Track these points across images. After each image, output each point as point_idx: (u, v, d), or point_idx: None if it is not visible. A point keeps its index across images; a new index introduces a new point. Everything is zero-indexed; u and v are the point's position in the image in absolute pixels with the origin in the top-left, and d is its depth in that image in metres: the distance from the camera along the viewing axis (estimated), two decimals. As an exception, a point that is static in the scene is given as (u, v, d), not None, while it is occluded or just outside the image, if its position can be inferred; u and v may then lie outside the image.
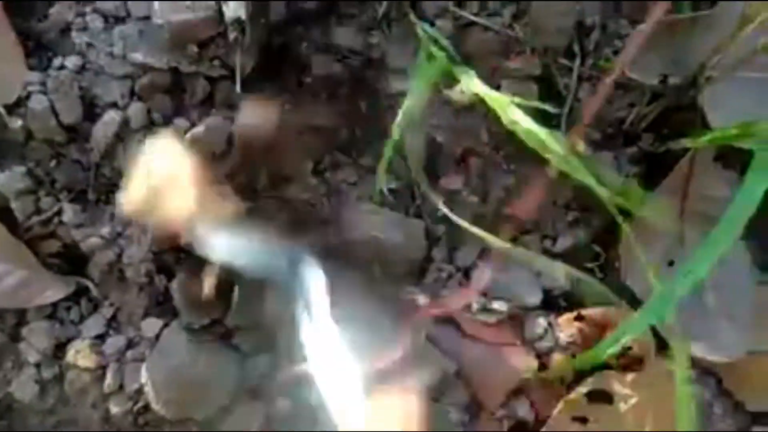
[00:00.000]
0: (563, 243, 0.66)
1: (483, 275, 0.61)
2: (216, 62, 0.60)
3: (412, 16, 0.63)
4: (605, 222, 0.67)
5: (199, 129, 0.58)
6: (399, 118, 0.58)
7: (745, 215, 0.47)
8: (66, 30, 0.58)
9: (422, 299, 0.62)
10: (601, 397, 0.62)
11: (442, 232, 0.66)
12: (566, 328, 0.62)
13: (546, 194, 0.67)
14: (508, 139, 0.66)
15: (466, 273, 0.66)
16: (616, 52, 0.63)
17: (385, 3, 0.63)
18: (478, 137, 0.64)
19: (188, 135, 0.58)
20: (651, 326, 0.64)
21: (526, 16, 0.61)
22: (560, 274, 0.64)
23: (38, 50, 0.58)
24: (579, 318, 0.62)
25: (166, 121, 0.59)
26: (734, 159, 0.62)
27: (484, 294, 0.63)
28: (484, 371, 0.59)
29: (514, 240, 0.69)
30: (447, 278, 0.65)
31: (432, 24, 0.63)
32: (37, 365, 0.59)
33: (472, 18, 0.61)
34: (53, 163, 0.59)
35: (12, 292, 0.57)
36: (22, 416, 0.60)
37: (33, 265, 0.57)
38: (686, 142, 0.55)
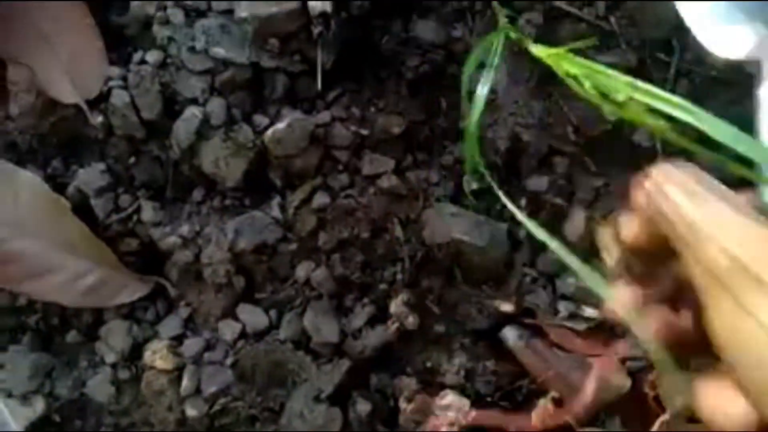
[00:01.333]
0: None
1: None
2: (297, 57, 0.58)
3: (496, 6, 0.61)
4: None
5: (281, 126, 0.57)
6: (473, 109, 0.55)
7: None
8: (147, 24, 0.57)
9: (507, 306, 0.60)
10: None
11: (524, 235, 0.63)
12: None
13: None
14: (596, 139, 0.63)
15: (550, 278, 0.63)
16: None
17: (469, -5, 0.61)
18: (565, 136, 0.62)
19: (268, 132, 0.57)
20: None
21: (622, 7, 0.58)
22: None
23: (119, 45, 0.57)
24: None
25: (246, 118, 0.58)
26: None
27: (572, 298, 0.61)
28: (574, 385, 0.56)
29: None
30: (531, 282, 0.62)
31: (518, 14, 0.61)
32: (113, 365, 0.58)
33: (564, 7, 0.58)
34: (132, 159, 0.57)
35: (91, 291, 0.56)
36: (97, 417, 0.60)
37: (112, 263, 0.56)
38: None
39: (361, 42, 0.61)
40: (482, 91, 0.53)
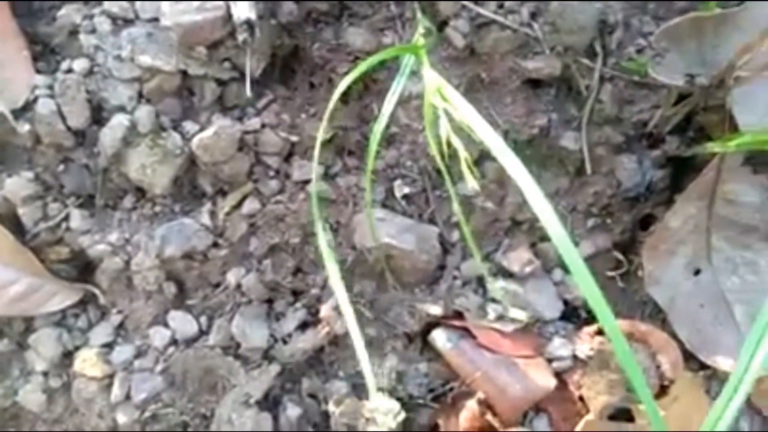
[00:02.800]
0: (584, 250, 0.64)
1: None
2: (226, 64, 0.58)
3: (419, 16, 0.61)
4: (629, 228, 0.65)
5: (208, 133, 0.57)
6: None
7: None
8: (74, 33, 0.57)
9: (436, 309, 0.60)
10: (623, 414, 0.60)
11: (456, 238, 0.64)
12: (587, 341, 0.59)
13: (567, 199, 0.66)
14: (526, 143, 0.64)
15: (480, 281, 0.64)
16: (639, 51, 0.61)
17: (397, 3, 0.61)
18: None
19: (195, 139, 0.57)
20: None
21: (545, 14, 0.59)
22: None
23: (45, 53, 0.57)
24: (600, 332, 0.60)
25: (174, 125, 0.58)
26: (765, 163, 0.59)
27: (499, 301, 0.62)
28: (502, 384, 0.57)
29: (532, 246, 0.67)
30: (461, 286, 0.63)
31: (444, 24, 0.61)
32: (45, 374, 0.58)
33: (490, 16, 0.59)
34: (61, 167, 0.58)
35: (19, 300, 0.56)
36: (30, 425, 0.60)
37: (40, 272, 0.56)
38: (713, 146, 0.53)
39: (292, 49, 0.62)
40: (391, 99, 0.53)
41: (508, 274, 0.62)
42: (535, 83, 0.62)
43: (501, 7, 0.59)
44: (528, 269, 0.61)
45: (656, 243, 0.59)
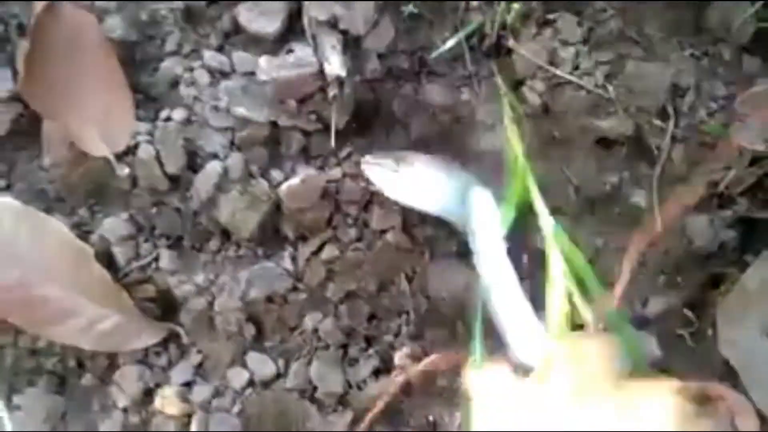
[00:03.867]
0: (654, 307, 0.64)
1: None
2: (312, 116, 0.61)
3: (498, 78, 0.64)
4: (699, 287, 0.65)
5: (295, 181, 0.60)
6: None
7: None
8: (174, 84, 0.61)
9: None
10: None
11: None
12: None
13: (638, 256, 0.67)
14: (595, 200, 0.66)
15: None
16: (710, 114, 0.63)
17: (474, 62, 0.64)
18: (567, 196, 0.64)
19: (283, 187, 0.60)
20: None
21: (620, 76, 0.62)
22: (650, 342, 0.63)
23: (147, 102, 0.61)
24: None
25: (262, 173, 0.61)
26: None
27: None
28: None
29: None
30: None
31: (521, 82, 0.64)
32: (125, 410, 0.60)
33: (565, 76, 0.62)
34: (154, 210, 0.61)
35: (107, 336, 0.58)
36: (106, 460, 0.61)
37: (129, 309, 0.58)
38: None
39: (373, 103, 0.65)
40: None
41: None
42: (607, 142, 0.64)
43: (576, 68, 0.62)
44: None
45: (731, 304, 0.60)
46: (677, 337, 0.65)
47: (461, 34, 0.62)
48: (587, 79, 0.62)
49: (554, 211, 0.65)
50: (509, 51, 0.63)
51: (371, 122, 0.65)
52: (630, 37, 0.62)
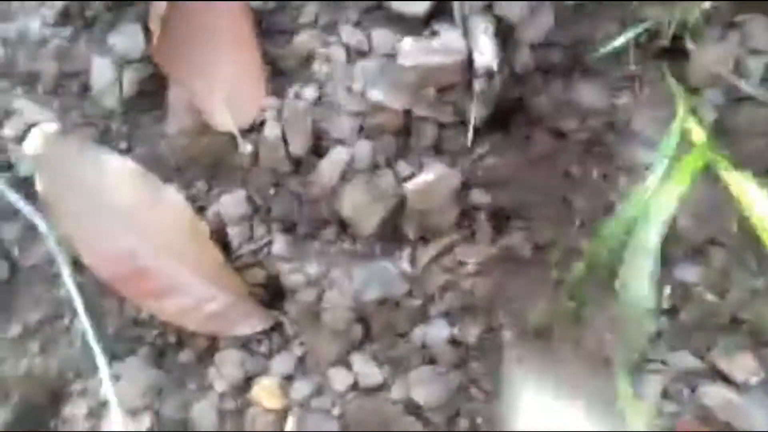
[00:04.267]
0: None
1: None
2: (450, 108, 0.56)
3: (670, 80, 0.56)
4: None
5: (427, 178, 0.55)
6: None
7: None
8: (308, 59, 0.57)
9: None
10: None
11: (662, 326, 0.58)
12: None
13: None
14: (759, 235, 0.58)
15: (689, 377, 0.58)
16: None
17: (640, 61, 0.57)
18: (727, 227, 0.56)
19: (412, 183, 0.55)
20: None
21: (818, 97, 0.53)
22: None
23: (276, 76, 0.57)
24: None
25: (389, 164, 0.56)
26: None
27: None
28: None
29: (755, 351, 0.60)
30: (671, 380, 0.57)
31: (696, 90, 0.56)
32: (222, 394, 0.58)
33: (750, 91, 0.53)
34: (273, 191, 0.57)
35: (213, 318, 0.55)
36: (196, 442, 0.59)
37: (239, 293, 0.56)
38: None
39: (517, 99, 0.59)
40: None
41: (724, 379, 0.55)
42: (786, 171, 0.55)
43: (766, 80, 0.53)
44: (754, 379, 0.54)
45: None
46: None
47: (633, 31, 0.55)
48: (774, 95, 0.53)
49: (709, 241, 0.58)
50: (684, 54, 0.55)
51: (511, 120, 0.59)
52: (836, 49, 0.53)
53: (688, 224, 0.57)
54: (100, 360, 0.53)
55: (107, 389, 0.53)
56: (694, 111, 0.55)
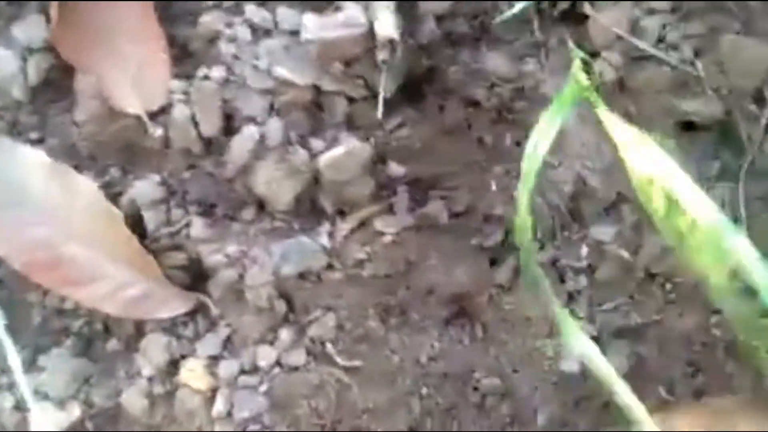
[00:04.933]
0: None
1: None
2: (359, 82, 0.56)
3: (570, 44, 0.58)
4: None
5: (338, 152, 0.55)
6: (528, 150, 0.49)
7: None
8: (213, 40, 0.57)
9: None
10: None
11: (582, 285, 0.60)
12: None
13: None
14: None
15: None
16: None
17: (543, 29, 0.58)
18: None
19: (324, 157, 0.56)
20: None
21: (711, 52, 0.54)
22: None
23: (184, 58, 0.57)
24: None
25: (302, 140, 0.57)
26: None
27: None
28: None
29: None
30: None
31: (595, 55, 0.57)
32: (150, 379, 0.58)
33: (648, 49, 0.54)
34: (186, 174, 0.57)
35: (134, 303, 0.55)
36: (129, 428, 0.59)
37: (157, 277, 0.56)
38: None
39: (427, 70, 0.59)
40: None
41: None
42: (689, 125, 0.57)
43: (661, 41, 0.55)
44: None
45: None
46: None
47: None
48: (672, 53, 0.54)
49: (620, 199, 0.59)
50: (585, 18, 0.57)
51: (423, 92, 0.60)
52: (726, 7, 0.55)
53: (598, 183, 0.59)
54: (11, 352, 0.52)
55: (21, 381, 0.53)
56: (596, 74, 0.57)
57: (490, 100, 0.58)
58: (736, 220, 0.56)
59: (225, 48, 0.56)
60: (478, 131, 0.59)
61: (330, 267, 0.58)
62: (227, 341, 0.59)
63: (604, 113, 0.43)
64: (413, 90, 0.59)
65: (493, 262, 0.60)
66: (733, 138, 0.55)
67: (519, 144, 0.59)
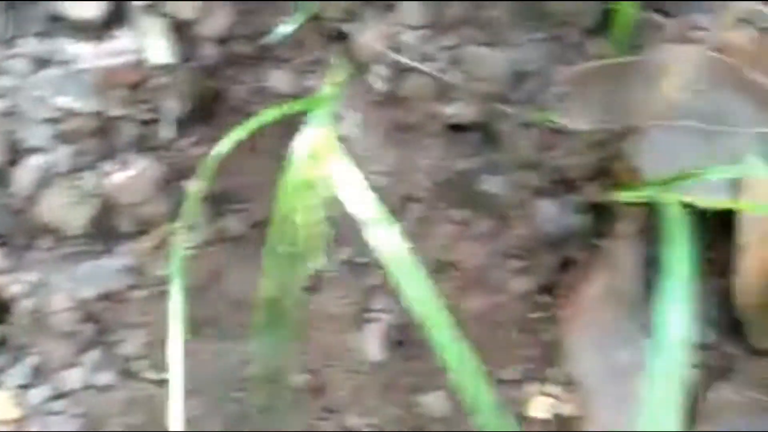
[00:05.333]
0: (508, 291, 0.64)
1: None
2: (146, 105, 0.59)
3: (337, 60, 0.62)
4: (548, 272, 0.66)
5: (128, 173, 0.58)
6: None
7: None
8: (-7, 74, 0.57)
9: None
10: None
11: (380, 281, 0.65)
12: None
13: (490, 242, 0.67)
14: (451, 185, 0.65)
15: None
16: (556, 98, 0.62)
17: (321, 47, 0.62)
18: (419, 183, 0.63)
19: (113, 180, 0.58)
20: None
21: (462, 62, 0.60)
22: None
23: (-38, 94, 0.58)
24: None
25: (92, 165, 0.58)
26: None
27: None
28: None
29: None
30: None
31: (365, 68, 0.63)
32: (-44, 415, 0.58)
33: (406, 62, 0.60)
34: (-23, 208, 0.58)
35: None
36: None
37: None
38: (618, 196, 0.54)
39: (215, 90, 0.62)
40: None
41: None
42: (456, 128, 0.63)
43: (420, 53, 0.60)
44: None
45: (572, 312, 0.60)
46: (532, 321, 0.67)
47: (294, 20, 0.60)
48: (431, 64, 0.61)
49: (406, 197, 0.65)
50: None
51: (215, 110, 0.63)
52: (474, 22, 0.61)
53: (383, 185, 0.64)
54: None
55: None
56: (368, 85, 0.62)
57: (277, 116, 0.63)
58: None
59: (5, 81, 0.57)
60: (268, 145, 0.63)
61: (134, 286, 0.60)
62: (36, 370, 0.60)
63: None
64: (205, 109, 0.62)
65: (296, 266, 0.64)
66: (494, 136, 0.62)
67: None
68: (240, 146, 0.63)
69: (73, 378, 0.58)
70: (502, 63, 0.60)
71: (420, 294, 0.36)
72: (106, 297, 0.58)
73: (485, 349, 0.61)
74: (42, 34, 0.58)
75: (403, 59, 0.60)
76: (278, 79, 0.62)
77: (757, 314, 0.57)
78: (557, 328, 0.65)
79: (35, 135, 0.57)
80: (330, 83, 0.51)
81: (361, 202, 0.41)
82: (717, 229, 0.60)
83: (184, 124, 0.61)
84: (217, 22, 0.59)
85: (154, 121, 0.60)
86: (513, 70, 0.60)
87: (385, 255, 0.38)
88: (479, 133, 0.63)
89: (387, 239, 0.39)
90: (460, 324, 0.60)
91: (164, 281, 0.60)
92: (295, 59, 0.63)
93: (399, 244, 0.38)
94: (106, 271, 0.58)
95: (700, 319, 0.61)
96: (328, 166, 0.44)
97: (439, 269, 0.65)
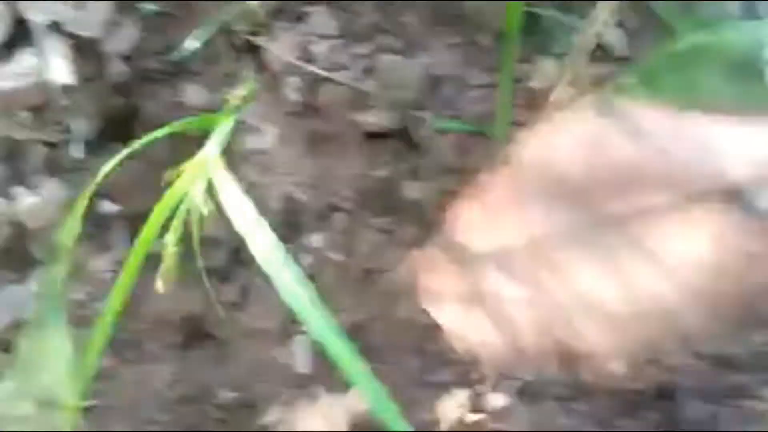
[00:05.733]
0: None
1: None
2: (55, 127, 0.58)
3: (253, 76, 0.62)
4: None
5: (36, 198, 0.56)
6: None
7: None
8: None
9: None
10: None
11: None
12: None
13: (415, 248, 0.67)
14: (373, 193, 0.65)
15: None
16: (472, 103, 0.63)
17: (235, 61, 0.62)
18: (341, 193, 0.63)
19: (22, 206, 0.56)
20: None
21: (375, 71, 0.60)
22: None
23: None
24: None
25: (2, 191, 0.57)
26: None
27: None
28: None
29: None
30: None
31: (279, 79, 0.62)
32: None
33: (319, 72, 0.60)
34: None
35: None
36: None
37: None
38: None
39: (129, 108, 0.61)
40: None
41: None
42: (375, 136, 0.63)
43: (333, 63, 0.60)
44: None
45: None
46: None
47: (203, 34, 0.60)
48: (345, 73, 0.61)
49: (329, 208, 0.65)
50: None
51: (130, 127, 0.62)
52: (387, 29, 0.62)
53: (305, 196, 0.64)
54: None
55: None
56: (284, 97, 0.61)
57: (194, 130, 0.62)
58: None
59: None
60: (185, 159, 0.62)
61: (48, 312, 0.58)
62: (-52, 404, 0.58)
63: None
64: (119, 128, 0.61)
65: (223, 281, 0.64)
66: (413, 143, 0.63)
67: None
68: (157, 163, 0.63)
69: (-12, 411, 0.57)
70: (416, 69, 0.60)
71: (301, 301, 0.36)
72: (17, 325, 0.57)
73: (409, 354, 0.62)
74: (-63, 58, 0.57)
75: (317, 69, 0.60)
76: (194, 93, 0.61)
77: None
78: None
79: (-64, 162, 0.55)
80: (234, 97, 0.51)
81: (242, 214, 0.40)
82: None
83: (96, 144, 0.60)
84: (124, 38, 0.58)
85: (66, 143, 0.59)
86: (428, 75, 0.61)
87: (264, 264, 0.38)
88: (398, 140, 0.63)
89: (264, 248, 0.39)
90: (368, 331, 0.60)
91: (80, 306, 0.59)
92: (209, 73, 0.62)
93: (275, 252, 0.38)
94: (18, 298, 0.57)
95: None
96: (207, 181, 0.43)
97: (365, 278, 0.66)
